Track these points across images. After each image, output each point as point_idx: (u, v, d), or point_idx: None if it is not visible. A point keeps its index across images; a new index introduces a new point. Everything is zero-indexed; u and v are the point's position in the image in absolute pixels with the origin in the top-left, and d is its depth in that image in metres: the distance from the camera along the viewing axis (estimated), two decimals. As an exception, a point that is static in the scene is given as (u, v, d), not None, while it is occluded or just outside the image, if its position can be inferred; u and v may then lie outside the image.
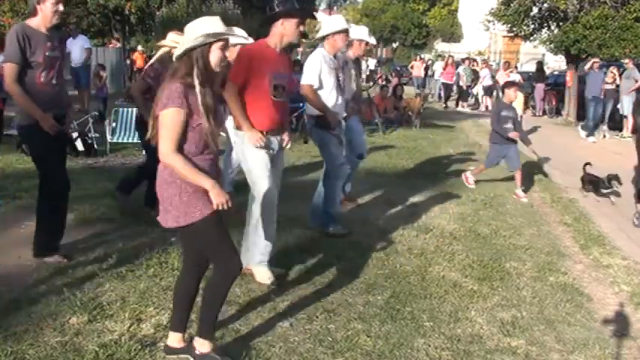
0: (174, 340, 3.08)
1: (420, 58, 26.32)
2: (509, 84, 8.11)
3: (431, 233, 5.52)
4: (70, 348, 3.14)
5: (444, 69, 20.84)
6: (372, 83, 20.40)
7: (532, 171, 9.13)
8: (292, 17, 4.04)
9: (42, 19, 4.07)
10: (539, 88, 18.73)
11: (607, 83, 14.41)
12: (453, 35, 47.04)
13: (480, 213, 6.39)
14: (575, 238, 5.84)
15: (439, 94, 21.69)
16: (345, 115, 5.43)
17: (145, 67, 5.31)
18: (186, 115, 2.71)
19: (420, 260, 4.79)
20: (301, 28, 4.10)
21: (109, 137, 9.00)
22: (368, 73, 29.96)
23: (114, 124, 9.28)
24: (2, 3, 18.37)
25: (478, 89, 20.48)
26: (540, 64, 19.61)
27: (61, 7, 4.08)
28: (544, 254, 5.22)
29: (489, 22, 17.89)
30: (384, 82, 18.40)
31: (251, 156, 4.05)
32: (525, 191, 7.80)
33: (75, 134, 8.63)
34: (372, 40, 6.07)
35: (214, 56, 2.75)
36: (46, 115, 4.04)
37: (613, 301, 4.35)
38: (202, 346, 3.00)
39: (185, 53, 2.73)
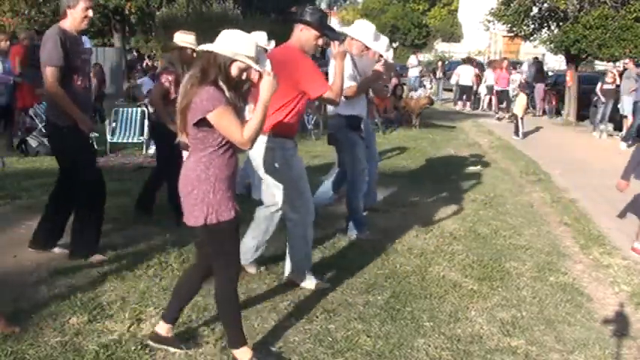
0: (163, 329, 3.16)
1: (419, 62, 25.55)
2: None
3: (431, 233, 5.52)
4: (70, 348, 3.14)
5: (498, 74, 18.49)
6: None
7: (532, 171, 9.14)
8: (312, 29, 3.91)
9: (72, 23, 4.11)
10: (539, 88, 18.73)
11: (607, 83, 14.42)
12: (452, 35, 47.03)
13: (479, 213, 6.39)
14: (575, 238, 5.84)
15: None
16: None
17: (159, 72, 5.22)
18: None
19: (420, 260, 4.79)
20: (319, 41, 4.00)
21: (108, 137, 9.01)
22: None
23: (114, 124, 9.30)
24: (2, 3, 18.36)
25: (481, 89, 20.40)
26: (540, 64, 19.58)
27: (90, 13, 4.13)
28: (544, 254, 5.22)
29: (489, 22, 17.86)
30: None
31: (297, 166, 3.97)
32: (525, 191, 7.80)
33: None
34: (387, 55, 5.60)
35: (233, 70, 2.86)
36: (85, 116, 4.18)
37: (613, 301, 4.35)
38: (243, 355, 3.02)
39: (211, 53, 2.82)
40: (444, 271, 4.60)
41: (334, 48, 3.95)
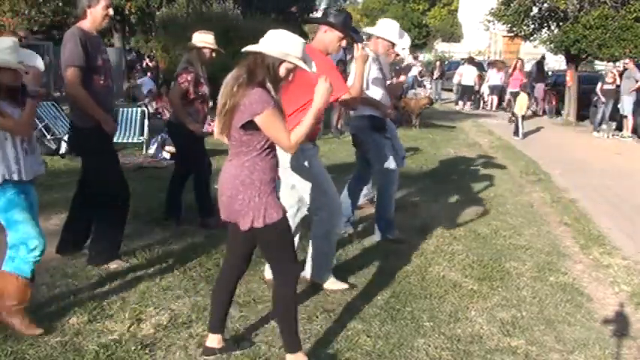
0: (214, 341, 3.13)
1: (415, 58, 25.53)
2: None
3: (431, 233, 5.52)
4: (70, 348, 3.15)
5: (512, 74, 17.98)
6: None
7: (532, 171, 9.14)
8: (336, 30, 3.91)
9: (92, 23, 4.10)
10: (540, 88, 18.72)
11: (607, 83, 14.42)
12: (452, 35, 47.08)
13: (480, 213, 6.39)
14: (575, 238, 5.84)
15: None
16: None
17: (177, 72, 5.17)
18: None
19: (420, 260, 4.79)
20: (343, 43, 3.99)
21: (109, 137, 9.00)
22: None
23: (114, 124, 9.29)
24: (2, 3, 18.35)
25: (484, 89, 20.37)
26: (541, 64, 19.58)
27: (111, 12, 4.14)
28: (544, 254, 5.22)
29: (489, 22, 17.85)
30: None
31: (317, 166, 3.97)
32: (525, 191, 7.80)
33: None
34: (403, 53, 5.55)
35: (281, 71, 2.84)
36: (108, 116, 4.14)
37: (613, 301, 4.35)
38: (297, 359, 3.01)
39: (258, 54, 2.79)
40: (444, 271, 4.60)
41: (357, 50, 3.93)
